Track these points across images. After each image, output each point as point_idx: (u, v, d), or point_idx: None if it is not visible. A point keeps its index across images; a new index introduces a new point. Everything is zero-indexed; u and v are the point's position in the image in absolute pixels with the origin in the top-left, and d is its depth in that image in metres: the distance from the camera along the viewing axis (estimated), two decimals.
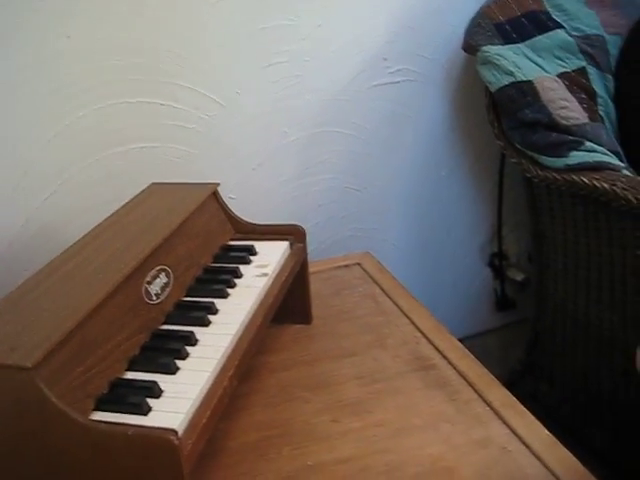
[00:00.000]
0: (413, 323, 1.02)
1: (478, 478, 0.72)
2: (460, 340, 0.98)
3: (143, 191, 1.00)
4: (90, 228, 0.88)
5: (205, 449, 0.64)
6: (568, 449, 0.75)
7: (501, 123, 1.27)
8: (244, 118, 1.26)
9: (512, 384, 1.08)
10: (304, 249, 1.01)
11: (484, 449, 0.76)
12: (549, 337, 1.40)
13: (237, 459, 0.78)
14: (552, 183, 1.17)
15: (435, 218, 1.54)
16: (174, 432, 0.58)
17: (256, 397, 0.89)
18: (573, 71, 1.26)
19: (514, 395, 0.85)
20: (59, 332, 0.63)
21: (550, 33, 1.28)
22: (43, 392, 0.59)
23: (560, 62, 1.26)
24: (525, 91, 1.19)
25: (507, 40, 1.27)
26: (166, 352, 0.73)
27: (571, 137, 1.16)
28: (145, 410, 0.64)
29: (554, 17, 1.30)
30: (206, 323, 0.79)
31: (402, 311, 1.06)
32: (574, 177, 1.12)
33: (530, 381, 1.46)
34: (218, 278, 0.89)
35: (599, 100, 1.27)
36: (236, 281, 0.89)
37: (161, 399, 0.66)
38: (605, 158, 1.14)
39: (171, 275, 0.84)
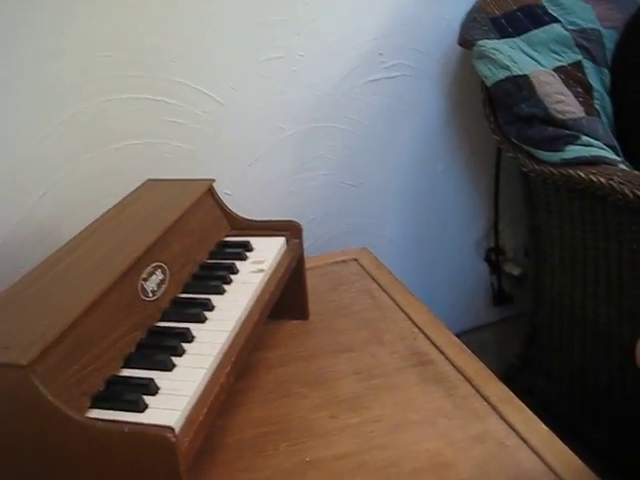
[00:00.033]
0: (410, 318, 1.02)
1: (476, 473, 0.72)
2: (457, 335, 0.98)
3: (138, 188, 1.00)
4: (85, 225, 0.88)
5: (202, 446, 0.64)
6: (566, 444, 0.75)
7: (497, 117, 1.26)
8: (239, 114, 1.26)
9: (509, 379, 1.08)
10: (300, 245, 1.01)
11: (482, 444, 0.76)
12: (546, 332, 1.40)
13: (234, 456, 0.78)
14: (548, 177, 1.16)
15: (431, 213, 1.54)
16: (171, 429, 0.58)
17: (253, 393, 0.89)
18: (569, 65, 1.26)
19: (511, 390, 0.85)
20: (55, 330, 0.63)
21: (546, 27, 1.28)
22: (39, 390, 0.58)
23: (556, 56, 1.26)
24: (521, 85, 1.19)
25: (503, 34, 1.27)
26: (162, 349, 0.73)
27: (567, 131, 1.15)
28: (141, 407, 0.64)
29: (550, 11, 1.30)
30: (202, 320, 0.79)
31: (399, 306, 1.06)
32: (570, 171, 1.12)
33: (527, 376, 1.46)
34: (214, 274, 0.89)
35: (595, 94, 1.27)
36: (232, 277, 0.89)
37: (157, 396, 0.66)
38: (601, 152, 1.13)
39: (167, 272, 0.83)
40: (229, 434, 0.81)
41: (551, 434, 0.77)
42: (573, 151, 1.13)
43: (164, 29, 1.15)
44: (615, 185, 1.04)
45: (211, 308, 0.81)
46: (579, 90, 1.24)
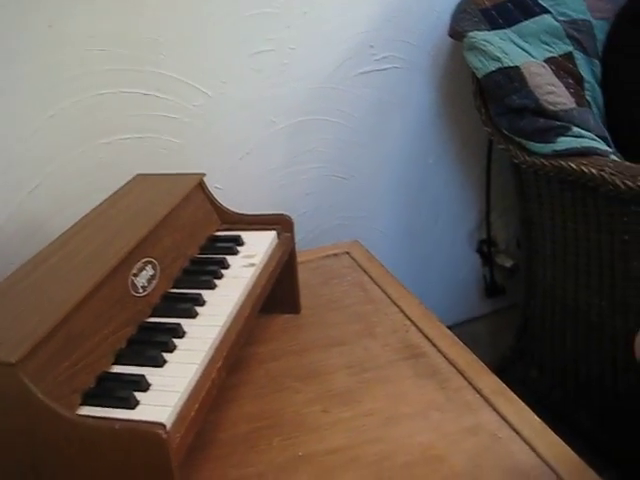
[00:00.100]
0: (402, 311, 1.02)
1: (469, 466, 0.73)
2: (449, 327, 0.98)
3: (128, 182, 0.99)
4: (75, 220, 0.87)
5: (194, 442, 0.63)
6: (558, 434, 0.76)
7: (488, 109, 1.26)
8: (230, 107, 1.25)
9: (502, 370, 1.09)
10: (292, 238, 1.00)
11: (474, 436, 0.76)
12: (539, 323, 1.40)
13: (227, 451, 0.78)
14: (540, 169, 1.16)
15: (423, 205, 1.54)
16: (162, 426, 0.58)
17: (245, 388, 0.88)
18: (560, 56, 1.26)
19: (504, 381, 0.85)
20: (44, 326, 0.63)
21: (537, 18, 1.27)
22: (28, 388, 0.58)
23: (547, 47, 1.26)
24: (512, 77, 1.19)
25: (493, 25, 1.26)
26: (153, 345, 0.73)
27: (558, 122, 1.15)
28: (133, 404, 0.63)
29: (540, 2, 1.29)
30: (193, 315, 0.79)
31: (391, 299, 1.06)
32: (562, 163, 1.12)
33: (520, 367, 1.47)
34: (205, 269, 0.89)
35: (586, 85, 1.27)
36: (223, 272, 0.88)
37: (149, 392, 0.66)
38: (593, 143, 1.13)
39: (157, 267, 0.83)
40: (221, 429, 0.81)
41: (543, 425, 0.77)
42: (564, 142, 1.13)
43: (154, 23, 1.14)
44: (606, 176, 1.04)
45: (202, 303, 0.81)
46: (570, 81, 1.24)
